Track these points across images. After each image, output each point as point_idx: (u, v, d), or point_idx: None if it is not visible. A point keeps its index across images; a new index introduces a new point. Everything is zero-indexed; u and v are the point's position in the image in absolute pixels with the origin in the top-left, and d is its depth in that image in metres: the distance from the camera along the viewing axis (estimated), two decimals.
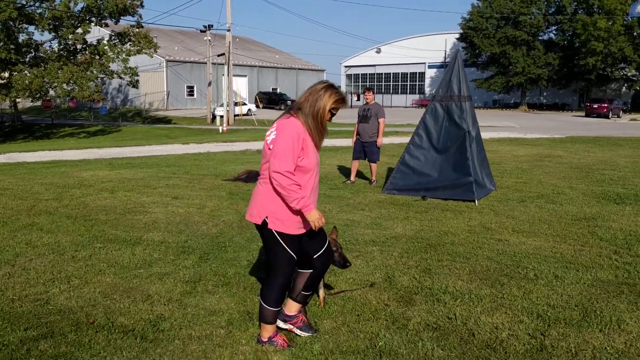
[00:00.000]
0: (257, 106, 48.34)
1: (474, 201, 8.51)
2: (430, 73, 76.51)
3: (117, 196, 8.73)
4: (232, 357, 3.44)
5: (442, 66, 73.69)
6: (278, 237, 3.48)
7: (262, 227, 3.51)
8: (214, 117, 37.48)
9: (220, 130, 27.15)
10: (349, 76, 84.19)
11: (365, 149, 10.36)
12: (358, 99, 72.89)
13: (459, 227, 6.91)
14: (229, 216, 7.41)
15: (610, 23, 54.71)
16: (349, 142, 19.92)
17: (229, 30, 35.31)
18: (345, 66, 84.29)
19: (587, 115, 48.16)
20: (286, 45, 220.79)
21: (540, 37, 63.31)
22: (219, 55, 36.93)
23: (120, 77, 35.44)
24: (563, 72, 61.32)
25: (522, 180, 11.11)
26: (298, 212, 3.42)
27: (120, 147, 19.55)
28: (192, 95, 58.91)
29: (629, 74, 61.57)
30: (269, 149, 3.44)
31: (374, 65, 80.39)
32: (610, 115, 46.95)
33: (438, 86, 9.48)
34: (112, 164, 13.42)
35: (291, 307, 3.80)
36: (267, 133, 3.56)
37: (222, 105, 38.01)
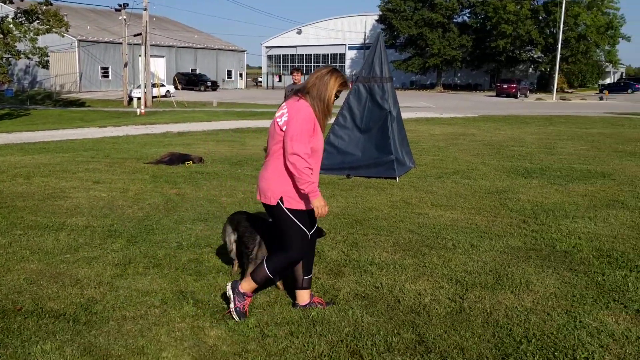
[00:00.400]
0: (176, 87, 47.21)
1: (395, 178, 8.86)
2: (350, 54, 77.38)
3: (34, 182, 8.39)
4: (169, 334, 3.50)
5: (361, 47, 74.69)
6: (292, 215, 3.58)
7: (277, 208, 3.58)
8: (130, 99, 36.27)
9: (138, 113, 26.34)
10: (269, 57, 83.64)
11: None
12: (280, 80, 72.69)
13: (382, 203, 7.21)
14: (154, 199, 7.33)
15: (518, 7, 57.43)
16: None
17: (145, 9, 34.14)
18: (266, 47, 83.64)
19: (497, 95, 50.52)
20: (205, 25, 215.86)
21: (455, 20, 65.48)
22: (135, 35, 35.64)
23: (29, 58, 33.46)
24: (476, 53, 63.82)
25: (439, 157, 11.63)
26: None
27: (32, 131, 18.60)
28: (107, 76, 56.56)
29: (535, 56, 65.06)
30: (281, 130, 3.52)
31: (295, 46, 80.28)
32: (519, 95, 49.52)
33: (361, 67, 9.73)
34: (24, 149, 12.79)
35: (303, 296, 3.89)
36: (277, 114, 3.62)
37: (139, 87, 36.81)
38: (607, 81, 77.64)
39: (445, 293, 4.18)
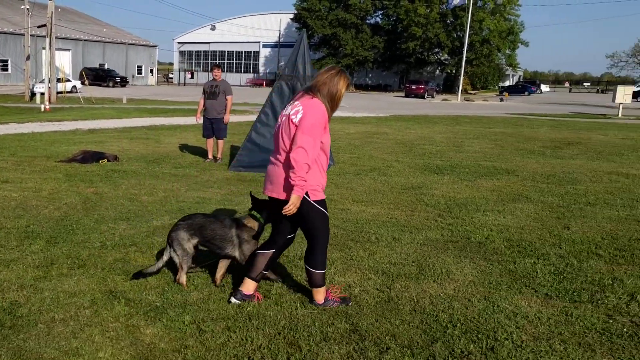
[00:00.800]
0: (83, 83, 45.01)
1: None
2: (264, 52, 77.21)
3: None
4: (103, 334, 3.44)
5: (276, 46, 74.77)
6: (318, 205, 3.73)
7: (303, 202, 3.65)
8: (33, 94, 34.22)
9: (42, 109, 24.91)
10: (182, 53, 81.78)
11: (213, 126, 10.41)
12: (192, 77, 71.17)
13: None
14: (71, 199, 7.06)
15: (428, 10, 59.73)
16: (185, 120, 19.68)
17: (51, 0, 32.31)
18: (179, 42, 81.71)
19: (406, 96, 52.25)
20: (115, 18, 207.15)
21: (368, 21, 67.07)
22: (39, 27, 33.57)
23: None
24: (387, 55, 65.72)
25: (355, 155, 11.96)
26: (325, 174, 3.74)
27: None
28: (7, 70, 52.95)
29: (442, 58, 67.93)
30: (295, 126, 3.61)
31: (208, 43, 79.00)
32: (426, 95, 51.48)
33: (284, 65, 9.82)
34: None
35: (249, 286, 3.96)
36: (290, 112, 3.70)
37: (42, 81, 34.76)
38: (507, 83, 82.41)
39: (373, 284, 4.38)
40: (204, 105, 10.49)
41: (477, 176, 9.59)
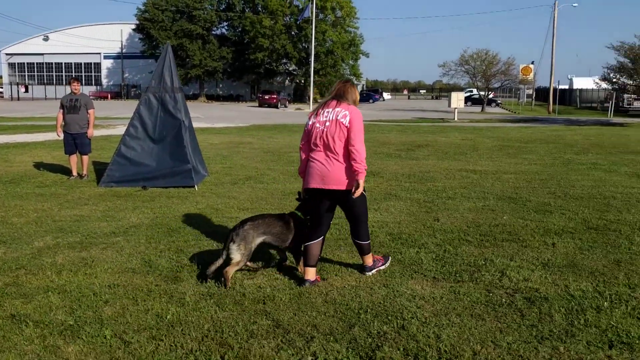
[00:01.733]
0: None
1: (193, 186, 9.03)
2: (106, 64, 73.46)
3: None
4: (21, 357, 3.29)
5: (118, 57, 71.54)
6: (365, 193, 4.60)
7: (349, 194, 4.43)
8: None
9: None
10: (11, 65, 74.98)
11: (76, 141, 9.90)
12: (26, 91, 65.65)
13: (190, 211, 7.35)
14: None
15: (273, 22, 60.98)
16: (33, 137, 18.25)
17: None
18: (7, 54, 74.76)
19: (260, 106, 52.94)
20: None
21: (214, 32, 66.70)
22: None
23: None
24: (236, 65, 65.89)
25: (227, 165, 12.06)
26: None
27: None
28: None
29: (291, 69, 69.71)
30: (346, 127, 4.37)
31: (42, 54, 73.28)
32: (279, 105, 52.61)
33: (151, 78, 9.66)
34: None
35: (312, 273, 4.60)
36: (334, 116, 4.44)
37: None
38: None
39: (282, 283, 4.61)
40: (63, 119, 9.95)
41: None
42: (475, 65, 45.62)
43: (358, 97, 4.65)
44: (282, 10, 61.39)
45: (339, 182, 4.44)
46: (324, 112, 4.53)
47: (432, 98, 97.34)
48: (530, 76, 51.93)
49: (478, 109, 50.34)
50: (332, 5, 62.53)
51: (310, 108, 50.11)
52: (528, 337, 3.61)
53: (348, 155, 4.40)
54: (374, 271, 4.81)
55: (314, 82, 66.95)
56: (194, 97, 67.58)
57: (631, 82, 30.38)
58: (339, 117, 4.41)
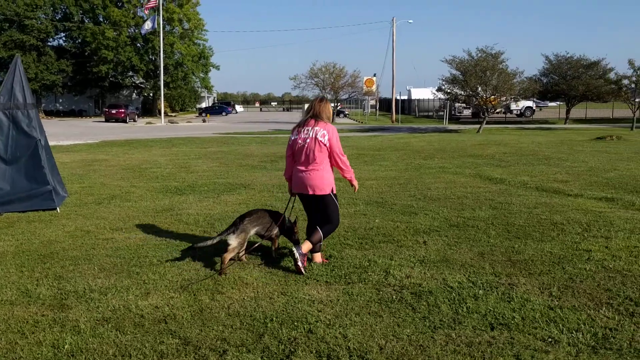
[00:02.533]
0: None
1: (55, 209, 8.44)
2: None
3: None
4: None
5: None
6: (334, 198, 5.56)
7: (328, 195, 5.49)
8: None
9: None
10: None
11: None
12: None
13: (59, 235, 6.89)
14: None
15: (117, 33, 58.30)
16: None
17: None
18: None
19: (107, 121, 50.27)
20: None
21: (50, 43, 62.10)
22: None
23: None
24: (77, 79, 61.94)
25: (86, 185, 11.39)
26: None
27: None
28: None
29: (138, 82, 67.10)
30: (325, 145, 5.35)
31: None
32: (128, 119, 50.39)
33: None
34: None
35: (318, 257, 5.59)
36: (313, 134, 5.37)
37: None
38: (204, 105, 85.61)
39: (179, 301, 4.54)
40: None
41: (219, 193, 10.16)
42: (324, 78, 47.45)
43: (331, 113, 5.56)
44: (126, 22, 58.98)
45: (316, 188, 5.44)
46: (304, 129, 5.46)
47: (284, 110, 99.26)
48: (374, 88, 55.27)
49: None
50: (179, 17, 61.43)
51: (162, 122, 48.60)
52: (423, 328, 3.95)
53: (325, 166, 5.43)
54: (299, 258, 5.20)
55: (164, 95, 65.19)
56: None
57: (462, 92, 33.58)
58: (317, 136, 5.35)
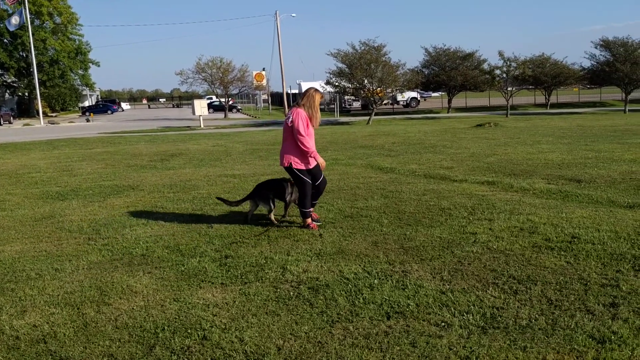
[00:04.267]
0: None
1: None
2: None
3: None
4: None
5: None
6: (298, 172, 6.59)
7: (288, 168, 6.62)
8: None
9: None
10: None
11: None
12: None
13: None
14: None
15: None
16: None
17: None
18: None
19: None
20: None
21: None
22: None
23: None
24: None
25: None
26: (307, 157, 6.56)
27: None
28: None
29: (10, 81, 62.18)
30: (289, 126, 6.46)
31: None
32: (2, 121, 46.59)
33: None
34: None
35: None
36: (286, 118, 6.57)
37: None
38: (87, 103, 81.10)
39: (61, 317, 4.18)
40: None
41: (105, 196, 9.61)
42: (212, 73, 46.53)
43: (313, 101, 6.54)
44: None
45: (282, 160, 6.66)
46: (288, 114, 6.60)
47: (174, 106, 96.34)
48: (264, 82, 55.09)
49: (221, 115, 51.54)
50: (49, 10, 57.55)
51: (41, 123, 45.41)
52: (321, 324, 3.92)
53: (290, 143, 6.52)
54: (305, 227, 6.68)
55: (41, 94, 60.89)
56: None
57: (350, 85, 34.30)
58: (286, 119, 6.56)
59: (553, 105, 50.27)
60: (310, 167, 6.64)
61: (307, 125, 6.49)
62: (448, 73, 44.22)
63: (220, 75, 47.14)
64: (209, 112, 60.16)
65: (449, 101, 47.92)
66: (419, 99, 58.80)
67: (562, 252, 5.34)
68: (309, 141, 6.47)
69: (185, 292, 4.64)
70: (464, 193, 8.64)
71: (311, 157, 6.55)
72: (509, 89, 40.11)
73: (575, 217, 6.74)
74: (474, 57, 44.91)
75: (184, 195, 9.45)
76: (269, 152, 16.83)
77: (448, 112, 45.32)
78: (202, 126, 33.65)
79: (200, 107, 34.99)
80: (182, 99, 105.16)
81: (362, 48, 33.74)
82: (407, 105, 56.51)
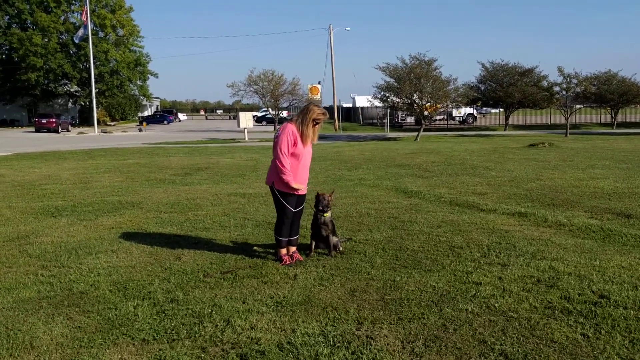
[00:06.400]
0: None
1: None
2: None
3: None
4: None
5: None
6: (279, 194, 5.81)
7: (271, 188, 5.88)
8: None
9: None
10: None
11: None
12: None
13: None
14: None
15: (46, 40, 55.66)
16: None
17: None
18: None
19: (37, 131, 47.87)
20: None
21: None
22: None
23: None
24: (7, 87, 58.86)
25: None
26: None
27: None
28: None
29: (73, 90, 64.35)
30: (274, 141, 5.79)
31: None
32: (60, 129, 48.02)
33: None
34: None
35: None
36: (275, 132, 5.93)
37: None
38: (146, 113, 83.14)
39: None
40: None
41: (99, 214, 8.98)
42: (263, 85, 46.33)
43: (309, 115, 5.69)
44: (56, 27, 56.37)
45: (268, 180, 5.92)
46: (278, 129, 5.87)
47: (230, 118, 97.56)
48: (318, 96, 54.58)
49: (272, 128, 51.31)
50: (112, 23, 59.24)
51: (95, 132, 46.46)
52: None
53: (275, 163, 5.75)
54: (279, 263, 5.81)
55: (101, 103, 62.69)
56: None
57: (399, 100, 33.09)
58: (274, 134, 5.95)
59: (620, 125, 47.19)
60: (295, 192, 5.84)
61: (295, 142, 5.67)
62: (505, 89, 42.29)
63: (272, 88, 46.90)
64: (262, 124, 60.39)
65: (506, 118, 45.82)
66: (475, 115, 56.80)
67: (581, 320, 4.16)
68: (286, 160, 5.64)
69: (92, 350, 3.78)
70: (485, 227, 7.46)
71: (284, 177, 5.66)
72: (570, 106, 37.81)
73: (610, 267, 5.49)
74: (533, 73, 42.79)
75: (179, 216, 8.70)
76: None
77: (504, 130, 43.27)
78: (246, 139, 33.27)
79: (246, 119, 34.62)
80: (242, 111, 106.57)
81: (412, 62, 32.56)
82: (463, 121, 54.64)
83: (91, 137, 41.58)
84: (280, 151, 5.62)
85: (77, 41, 53.32)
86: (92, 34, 49.59)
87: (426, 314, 4.33)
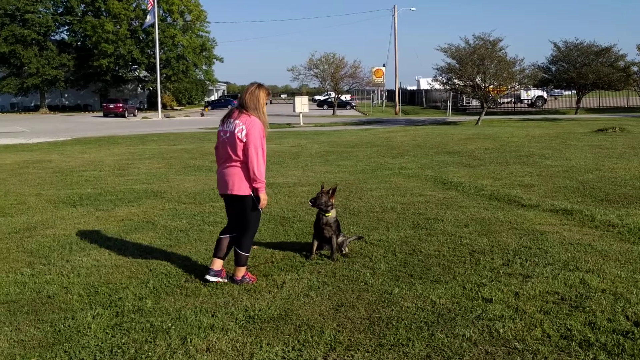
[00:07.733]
0: None
1: None
2: None
3: None
4: None
5: None
6: (256, 201, 4.71)
7: (248, 197, 4.70)
8: None
9: None
10: None
11: None
12: None
13: None
14: None
15: (117, 27, 57.24)
16: None
17: None
18: None
19: (105, 116, 49.41)
20: None
21: (52, 38, 61.37)
22: None
23: None
24: (80, 73, 61.10)
25: None
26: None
27: None
28: None
29: (142, 75, 66.02)
30: (242, 141, 4.56)
31: None
32: (127, 114, 49.39)
33: None
34: None
35: (218, 264, 4.90)
36: (232, 128, 4.62)
37: None
38: (212, 98, 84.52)
39: None
40: None
41: (118, 204, 8.75)
42: (323, 69, 45.73)
43: (261, 101, 4.68)
44: (126, 14, 57.84)
45: (234, 187, 4.69)
46: (227, 121, 4.74)
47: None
48: (381, 79, 53.44)
49: (331, 112, 50.74)
50: (180, 9, 60.10)
51: (159, 116, 47.47)
52: None
53: (246, 164, 4.61)
54: (242, 284, 4.80)
55: (168, 88, 64.06)
56: (35, 108, 61.58)
57: (461, 82, 31.61)
58: (235, 131, 4.60)
59: None
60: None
61: (264, 136, 4.72)
62: (578, 70, 39.66)
63: (332, 71, 46.23)
64: (324, 109, 59.83)
65: (578, 101, 43.04)
66: (545, 97, 53.88)
67: (601, 357, 3.37)
68: (263, 166, 4.69)
69: None
70: (519, 227, 6.61)
71: (260, 180, 4.64)
72: None
73: None
74: (610, 52, 39.85)
75: (195, 207, 8.33)
76: (340, 155, 15.37)
77: (576, 113, 40.70)
78: (301, 124, 32.84)
79: (301, 104, 34.13)
80: (309, 95, 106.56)
81: (476, 42, 30.98)
82: (532, 104, 51.95)
83: (154, 121, 42.42)
84: (257, 155, 4.57)
85: (144, 27, 54.47)
86: (160, 20, 50.50)
87: (413, 339, 3.66)
